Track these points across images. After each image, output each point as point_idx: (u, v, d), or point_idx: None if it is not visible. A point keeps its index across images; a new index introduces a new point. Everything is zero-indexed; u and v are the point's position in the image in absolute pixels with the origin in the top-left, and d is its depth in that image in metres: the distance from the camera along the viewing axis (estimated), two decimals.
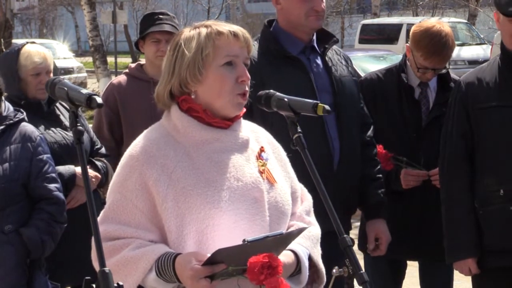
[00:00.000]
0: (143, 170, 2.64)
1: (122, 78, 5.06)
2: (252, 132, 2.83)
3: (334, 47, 4.13)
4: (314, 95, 3.85)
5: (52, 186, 4.10)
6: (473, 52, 23.11)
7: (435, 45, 4.29)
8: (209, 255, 2.51)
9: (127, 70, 5.14)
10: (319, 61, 3.99)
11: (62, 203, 4.15)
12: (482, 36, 24.80)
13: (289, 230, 2.73)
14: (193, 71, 2.67)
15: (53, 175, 4.13)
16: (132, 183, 2.65)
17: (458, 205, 4.02)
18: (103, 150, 4.76)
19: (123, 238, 2.63)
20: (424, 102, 4.43)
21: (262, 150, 2.78)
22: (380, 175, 4.18)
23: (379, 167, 4.20)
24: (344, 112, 3.95)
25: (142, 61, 5.19)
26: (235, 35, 2.69)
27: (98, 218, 2.68)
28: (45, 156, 4.11)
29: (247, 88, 2.71)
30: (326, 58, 4.01)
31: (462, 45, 23.07)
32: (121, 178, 2.69)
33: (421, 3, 30.55)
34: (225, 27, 2.71)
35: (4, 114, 4.11)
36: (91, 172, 4.50)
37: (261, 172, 2.72)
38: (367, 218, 4.18)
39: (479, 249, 4.01)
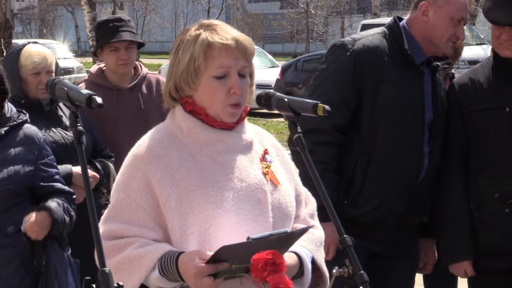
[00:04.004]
0: (147, 169, 2.64)
1: (82, 86, 4.87)
2: (256, 135, 2.83)
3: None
4: (423, 109, 3.89)
5: (58, 185, 4.10)
6: (473, 52, 23.08)
7: None
8: (212, 253, 2.52)
9: (86, 78, 5.04)
10: (430, 77, 3.97)
11: (70, 193, 4.14)
12: (482, 36, 24.81)
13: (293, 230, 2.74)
14: (186, 80, 2.68)
15: (57, 177, 4.13)
16: (136, 183, 2.65)
17: (453, 207, 4.02)
18: (107, 151, 4.76)
19: (127, 237, 2.63)
20: None
21: (266, 152, 2.79)
22: None
23: None
24: (438, 132, 3.96)
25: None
26: (227, 47, 2.66)
27: (102, 217, 2.70)
28: (48, 159, 4.10)
29: (239, 100, 2.69)
30: (437, 76, 4.00)
31: None
32: (125, 177, 2.70)
33: None
34: (218, 37, 2.66)
35: (8, 115, 4.10)
36: (89, 172, 4.49)
37: (265, 174, 2.73)
38: (421, 235, 4.17)
39: (474, 251, 4.00)
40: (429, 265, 4.23)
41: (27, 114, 4.18)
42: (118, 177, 2.74)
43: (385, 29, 3.98)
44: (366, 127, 3.83)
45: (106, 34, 4.89)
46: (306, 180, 2.86)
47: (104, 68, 5.01)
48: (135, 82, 4.98)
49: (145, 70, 5.12)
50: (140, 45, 5.10)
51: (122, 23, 4.94)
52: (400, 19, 4.03)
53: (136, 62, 5.08)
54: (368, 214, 3.85)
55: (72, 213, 4.07)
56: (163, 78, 5.16)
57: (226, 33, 2.68)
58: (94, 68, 5.11)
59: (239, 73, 2.68)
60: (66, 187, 4.12)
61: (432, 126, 3.94)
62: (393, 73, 3.85)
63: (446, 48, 3.91)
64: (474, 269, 4.02)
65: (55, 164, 4.14)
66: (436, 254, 4.19)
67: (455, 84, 4.12)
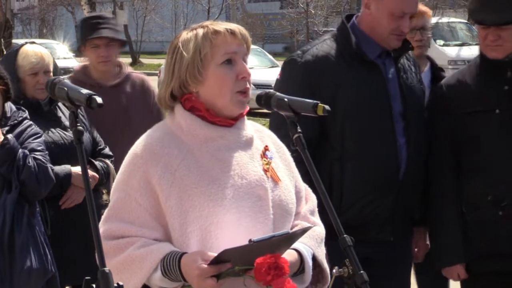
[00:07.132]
0: (147, 168, 2.65)
1: None
2: (256, 132, 2.84)
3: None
4: (388, 101, 3.85)
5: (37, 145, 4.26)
6: (473, 52, 23.06)
7: None
8: (215, 254, 2.52)
9: (72, 74, 5.13)
10: (392, 66, 3.94)
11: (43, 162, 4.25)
12: None
13: (294, 229, 2.74)
14: (193, 72, 2.69)
15: (40, 147, 4.29)
16: (136, 181, 2.66)
17: (445, 210, 4.00)
18: (106, 150, 4.76)
19: (127, 236, 2.64)
20: None
21: (266, 149, 2.80)
22: None
23: None
24: (412, 121, 3.92)
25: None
26: (232, 32, 2.70)
27: (103, 216, 2.71)
28: (35, 139, 4.26)
29: (248, 85, 2.72)
30: (399, 65, 3.96)
31: (462, 45, 23.11)
32: (125, 176, 2.70)
33: (421, 3, 30.57)
34: (222, 25, 2.72)
35: (9, 115, 4.24)
36: (88, 172, 4.49)
37: (265, 171, 2.73)
38: (413, 224, 4.16)
39: (467, 254, 3.99)
40: (420, 253, 4.23)
41: (26, 111, 4.32)
42: (118, 176, 2.74)
43: (336, 32, 3.97)
44: (334, 134, 3.80)
45: (87, 31, 4.95)
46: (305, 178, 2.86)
47: (88, 65, 5.05)
48: (118, 80, 5.00)
49: (128, 69, 5.14)
50: (125, 43, 5.14)
51: (103, 20, 5.00)
52: (350, 17, 4.00)
53: (120, 60, 5.11)
54: (354, 219, 3.80)
55: (30, 164, 4.17)
56: (147, 78, 5.20)
57: (226, 23, 2.74)
58: (78, 66, 5.18)
59: (243, 60, 2.72)
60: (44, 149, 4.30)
61: (404, 115, 3.89)
62: (348, 74, 3.81)
63: (391, 41, 3.86)
64: (467, 272, 4.01)
65: (41, 142, 4.30)
66: (427, 242, 4.18)
67: (442, 86, 4.10)
